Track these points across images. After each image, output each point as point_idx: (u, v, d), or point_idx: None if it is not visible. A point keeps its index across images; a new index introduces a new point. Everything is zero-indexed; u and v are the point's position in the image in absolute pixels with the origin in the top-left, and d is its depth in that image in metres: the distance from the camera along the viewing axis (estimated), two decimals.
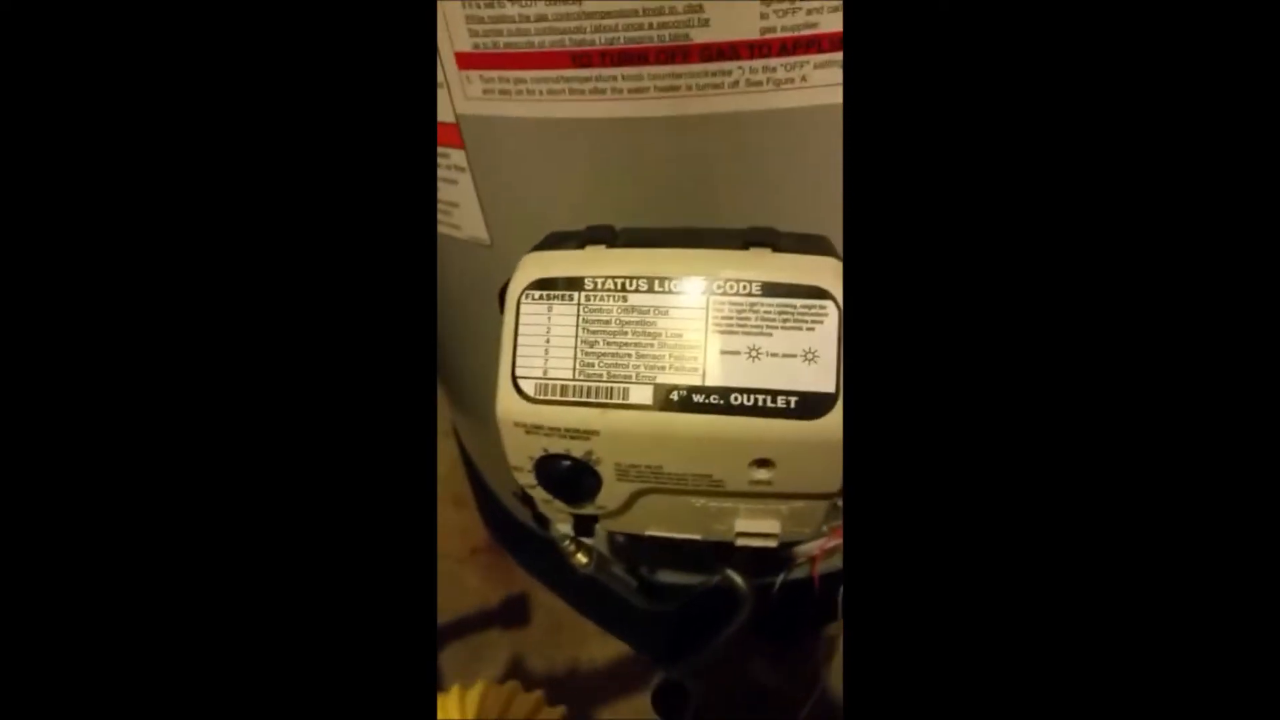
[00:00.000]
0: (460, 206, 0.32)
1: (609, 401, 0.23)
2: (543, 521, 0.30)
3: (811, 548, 0.48)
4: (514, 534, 0.58)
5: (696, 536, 0.28)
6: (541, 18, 0.24)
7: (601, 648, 0.59)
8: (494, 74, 0.27)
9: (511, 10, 0.25)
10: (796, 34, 0.24)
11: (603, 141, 0.27)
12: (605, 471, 0.24)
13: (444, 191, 0.33)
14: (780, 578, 0.48)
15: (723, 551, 0.33)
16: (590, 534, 0.29)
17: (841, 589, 0.48)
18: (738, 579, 0.42)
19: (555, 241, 0.26)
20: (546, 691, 0.32)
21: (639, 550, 0.48)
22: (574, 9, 0.24)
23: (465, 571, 0.66)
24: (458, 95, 0.28)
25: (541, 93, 0.26)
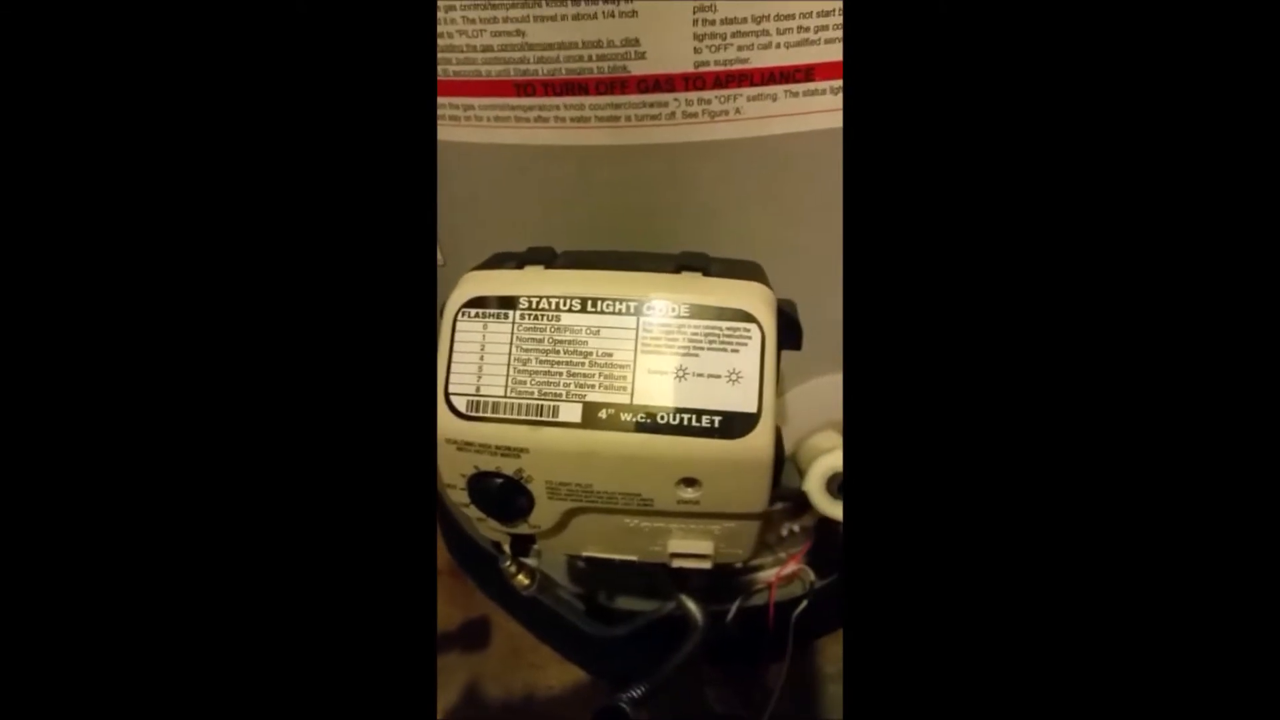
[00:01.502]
0: None
1: (539, 419, 0.23)
2: (499, 546, 0.30)
3: (769, 574, 0.49)
4: (475, 557, 0.58)
5: (633, 558, 0.28)
6: (487, 48, 0.25)
7: (560, 673, 0.58)
8: (444, 100, 0.27)
9: (459, 40, 0.26)
10: (729, 68, 0.25)
11: (547, 167, 0.28)
12: (537, 490, 0.25)
13: None
14: (735, 605, 0.48)
15: (678, 578, 0.33)
16: (527, 554, 0.29)
17: (795, 614, 0.48)
18: (691, 605, 0.42)
19: (497, 261, 0.26)
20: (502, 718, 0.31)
21: (597, 576, 0.48)
22: (518, 40, 0.25)
23: None
24: None
25: (488, 119, 0.27)
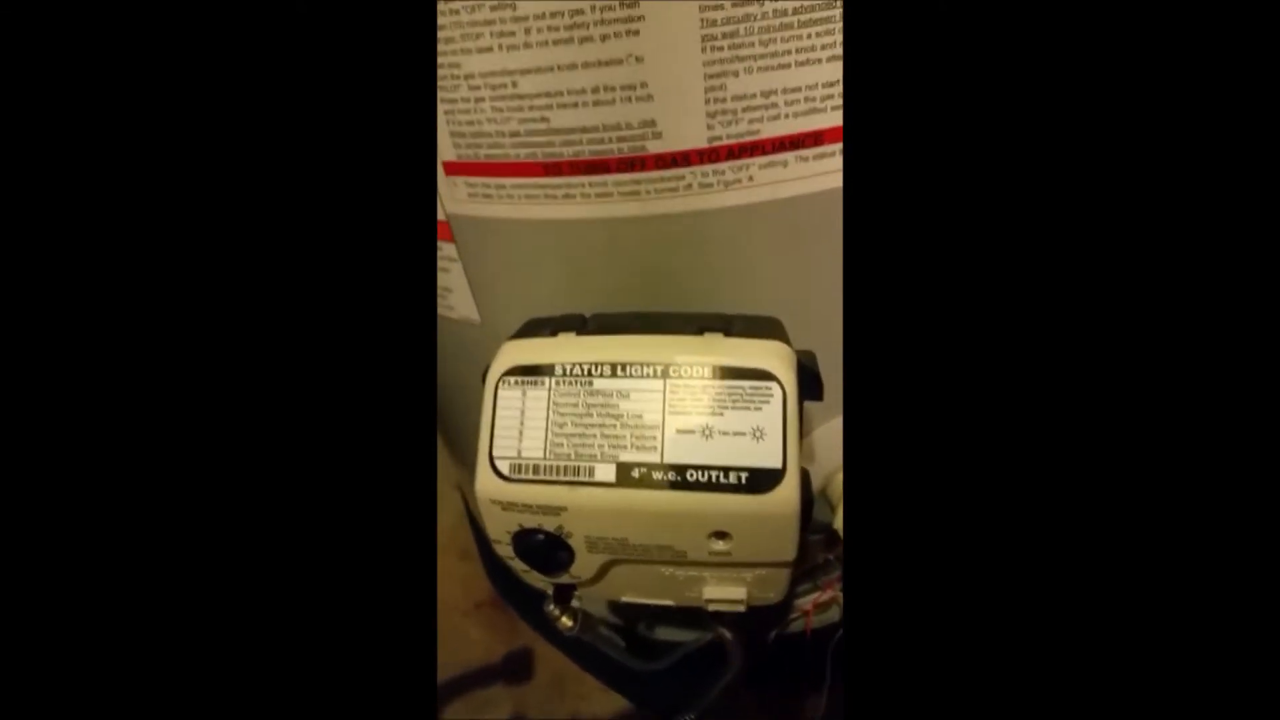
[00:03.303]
0: (453, 291, 0.35)
1: (577, 479, 0.25)
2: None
3: (805, 602, 0.49)
4: (517, 588, 0.59)
5: (669, 602, 0.29)
6: (515, 133, 0.28)
7: (603, 703, 0.59)
8: (477, 180, 0.30)
9: (489, 127, 0.28)
10: (740, 140, 0.26)
11: (574, 236, 0.30)
12: (576, 544, 0.26)
13: (440, 279, 0.36)
14: (773, 633, 0.49)
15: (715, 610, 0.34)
16: (569, 600, 0.31)
17: (834, 642, 0.48)
18: (728, 635, 0.43)
19: (532, 328, 0.28)
20: None
21: (635, 608, 0.50)
22: (543, 126, 0.27)
23: (469, 624, 0.67)
24: (447, 197, 0.31)
25: (519, 197, 0.29)
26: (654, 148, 0.26)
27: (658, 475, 0.25)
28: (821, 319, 0.29)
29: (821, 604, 0.49)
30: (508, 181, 0.29)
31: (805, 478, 0.25)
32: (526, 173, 0.28)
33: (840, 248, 0.30)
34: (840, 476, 0.40)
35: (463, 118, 0.28)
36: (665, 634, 0.51)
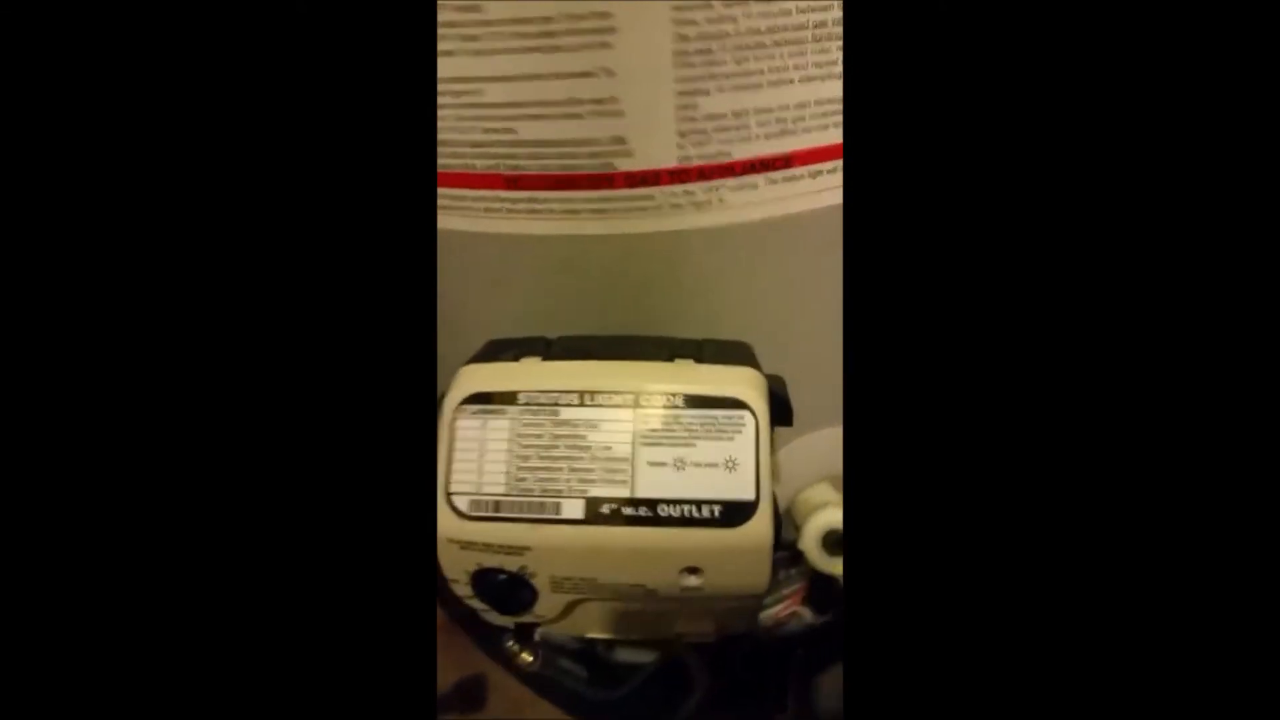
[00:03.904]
0: None
1: (541, 516, 0.23)
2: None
3: (768, 615, 0.49)
4: (471, 615, 0.57)
5: (636, 637, 0.28)
6: (477, 143, 0.26)
7: None
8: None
9: (449, 135, 0.26)
10: (711, 161, 0.26)
11: (537, 254, 0.28)
12: (540, 584, 0.25)
13: None
14: (740, 653, 0.48)
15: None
16: (530, 639, 0.29)
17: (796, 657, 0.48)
18: (693, 662, 0.42)
19: (492, 351, 0.27)
20: None
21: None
22: (508, 137, 0.25)
23: None
24: None
25: (479, 210, 0.27)
26: (623, 165, 0.25)
27: (628, 510, 0.23)
28: (790, 342, 0.29)
29: (783, 618, 0.48)
30: (468, 193, 0.27)
31: (774, 505, 0.25)
32: (488, 184, 0.27)
33: (807, 268, 0.30)
34: (804, 495, 0.40)
35: None
36: (626, 655, 0.50)
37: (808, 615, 0.49)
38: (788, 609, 0.48)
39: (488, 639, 0.60)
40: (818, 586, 0.48)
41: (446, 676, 0.62)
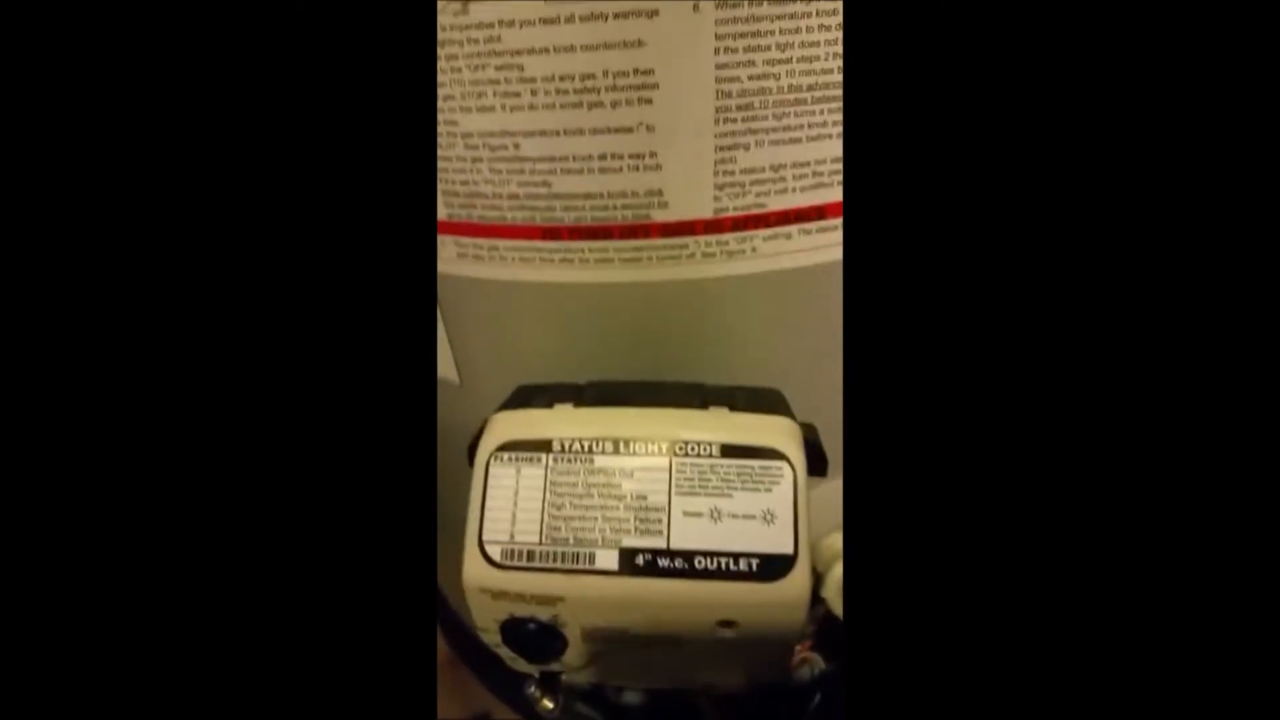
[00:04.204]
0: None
1: (575, 567, 0.23)
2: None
3: None
4: (475, 651, 0.56)
5: (663, 686, 0.28)
6: (514, 196, 0.26)
7: None
8: (468, 240, 0.28)
9: (485, 188, 0.26)
10: (746, 212, 0.26)
11: (568, 300, 0.28)
12: (571, 633, 0.24)
13: None
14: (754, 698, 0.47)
15: None
16: (555, 687, 0.29)
17: (812, 705, 0.47)
18: (704, 705, 0.42)
19: (524, 397, 0.27)
20: None
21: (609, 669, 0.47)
22: (544, 190, 0.26)
23: None
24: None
25: (513, 259, 0.28)
26: (659, 216, 0.26)
27: (664, 562, 0.23)
28: (818, 390, 0.29)
29: (795, 664, 0.48)
30: (501, 243, 0.28)
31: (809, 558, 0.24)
32: (523, 235, 0.27)
33: (834, 317, 0.30)
34: (825, 543, 0.40)
35: (457, 177, 0.27)
36: (631, 696, 0.49)
37: (820, 662, 0.48)
38: (798, 657, 0.47)
39: (492, 677, 0.59)
40: (828, 633, 0.47)
41: (451, 713, 0.60)
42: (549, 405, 0.26)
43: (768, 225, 0.26)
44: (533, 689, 0.32)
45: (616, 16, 0.22)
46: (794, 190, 0.26)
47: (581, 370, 0.28)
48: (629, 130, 0.24)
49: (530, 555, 0.23)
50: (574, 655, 0.25)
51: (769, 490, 0.24)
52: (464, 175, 0.27)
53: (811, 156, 0.25)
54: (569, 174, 0.25)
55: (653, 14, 0.22)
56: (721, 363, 0.29)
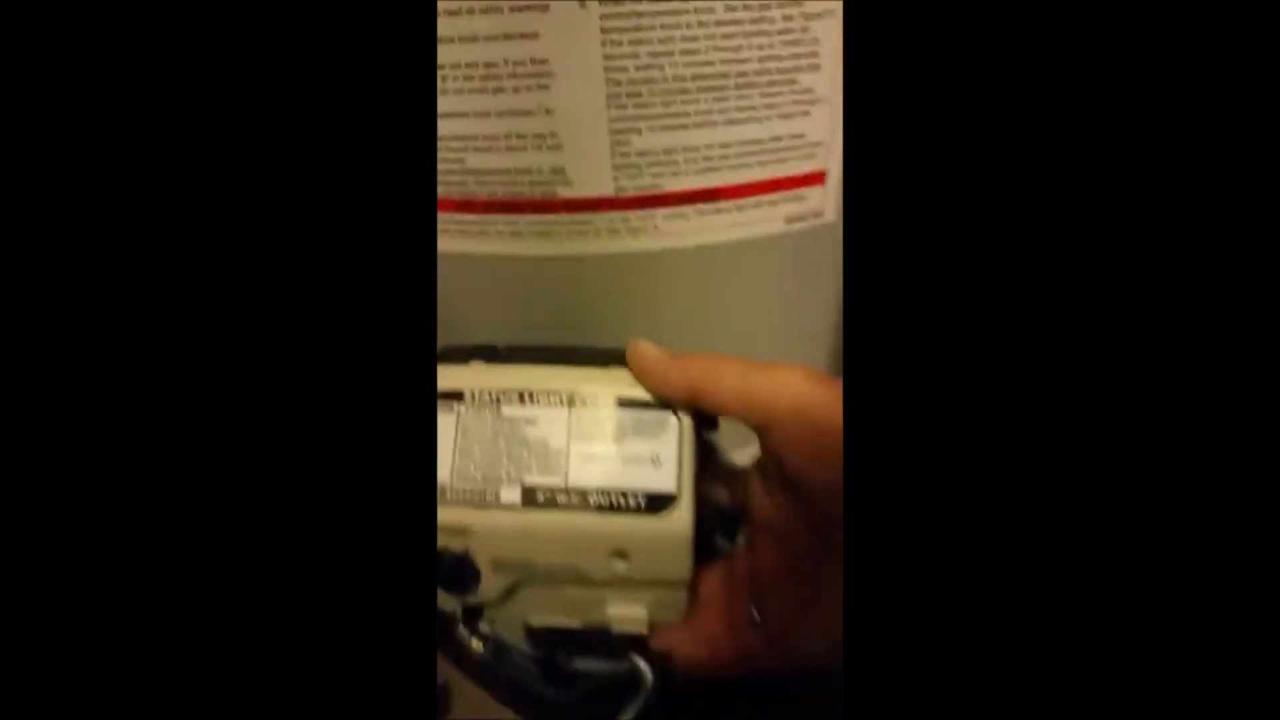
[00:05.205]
0: None
1: (482, 502, 0.26)
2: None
3: None
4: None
5: (575, 623, 0.30)
6: None
7: None
8: None
9: None
10: (645, 192, 0.29)
11: (485, 272, 0.31)
12: (483, 565, 0.27)
13: None
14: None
15: (635, 640, 0.35)
16: (478, 621, 0.31)
17: None
18: (641, 664, 0.44)
19: (445, 356, 0.29)
20: None
21: (552, 639, 0.50)
22: (458, 166, 0.29)
23: None
24: None
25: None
26: (564, 192, 0.29)
27: (562, 498, 0.26)
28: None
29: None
30: None
31: (703, 500, 0.27)
32: (441, 208, 0.30)
33: (738, 293, 0.33)
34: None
35: None
36: (582, 664, 0.51)
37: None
38: None
39: (447, 646, 0.62)
40: None
41: None
42: (465, 361, 0.28)
43: (666, 205, 0.29)
44: (460, 628, 0.34)
45: (512, 10, 0.25)
46: (687, 173, 0.29)
47: (497, 337, 0.31)
48: (530, 114, 0.27)
49: (442, 492, 0.26)
50: (488, 587, 0.28)
51: (656, 437, 0.26)
52: None
53: (701, 141, 0.28)
54: (480, 151, 0.28)
55: (544, 8, 0.25)
56: (628, 333, 0.32)
